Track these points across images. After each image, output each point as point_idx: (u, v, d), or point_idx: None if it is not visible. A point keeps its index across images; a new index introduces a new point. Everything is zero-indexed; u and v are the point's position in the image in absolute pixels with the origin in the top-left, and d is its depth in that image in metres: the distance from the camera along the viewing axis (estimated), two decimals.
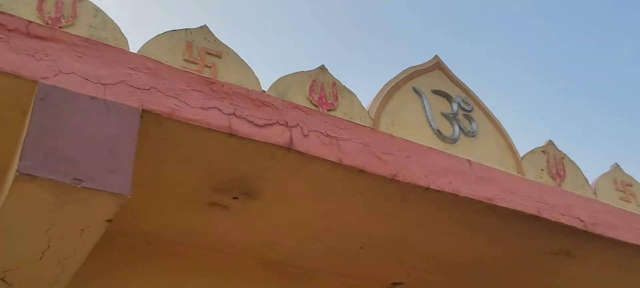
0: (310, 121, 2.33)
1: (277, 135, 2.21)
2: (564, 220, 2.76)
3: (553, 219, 2.72)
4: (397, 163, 2.43)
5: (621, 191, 3.71)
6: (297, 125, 2.29)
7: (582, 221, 2.82)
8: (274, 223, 2.72)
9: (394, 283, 3.30)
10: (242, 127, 2.16)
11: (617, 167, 3.85)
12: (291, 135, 2.24)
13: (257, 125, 2.19)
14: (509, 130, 3.61)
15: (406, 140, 2.56)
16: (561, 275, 3.20)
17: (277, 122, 2.25)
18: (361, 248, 2.92)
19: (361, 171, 2.33)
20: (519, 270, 3.15)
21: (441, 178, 2.51)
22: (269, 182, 2.40)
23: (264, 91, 2.55)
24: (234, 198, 2.50)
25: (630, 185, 3.83)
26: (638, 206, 3.70)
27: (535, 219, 2.69)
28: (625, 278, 3.22)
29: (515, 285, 3.32)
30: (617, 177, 3.77)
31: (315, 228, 2.76)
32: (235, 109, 2.18)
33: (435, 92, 3.45)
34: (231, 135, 2.12)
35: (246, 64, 2.77)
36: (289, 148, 2.21)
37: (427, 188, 2.45)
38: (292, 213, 2.64)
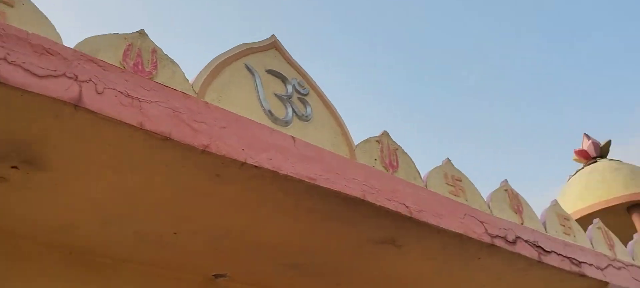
0: (107, 77, 2.00)
1: (62, 88, 1.86)
2: (389, 205, 2.67)
3: (378, 204, 2.61)
4: (211, 134, 2.17)
5: (451, 185, 3.75)
6: (90, 80, 1.95)
7: (407, 207, 2.75)
8: (70, 201, 2.34)
9: (216, 275, 3.03)
10: (15, 76, 1.79)
11: (448, 161, 3.91)
12: (80, 91, 1.90)
13: (36, 75, 1.83)
14: (346, 119, 3.52)
15: (223, 109, 2.32)
16: (388, 265, 3.13)
17: (64, 75, 1.90)
18: (175, 233, 2.62)
19: (167, 139, 2.05)
20: (346, 259, 3.02)
21: (261, 153, 2.29)
22: (56, 148, 2.03)
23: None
24: (12, 167, 2.09)
25: (460, 180, 3.90)
26: (466, 201, 3.77)
27: (360, 203, 2.57)
28: (449, 268, 3.22)
29: (343, 276, 3.20)
30: (448, 172, 3.82)
31: (121, 208, 2.42)
32: (8, 53, 1.80)
33: (270, 72, 3.25)
34: (0, 83, 1.74)
35: (46, 18, 2.37)
36: (76, 106, 1.87)
37: (244, 163, 2.22)
38: (91, 189, 2.29)
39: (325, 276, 3.17)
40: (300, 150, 2.45)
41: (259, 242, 2.78)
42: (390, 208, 2.66)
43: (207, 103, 2.26)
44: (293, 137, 2.48)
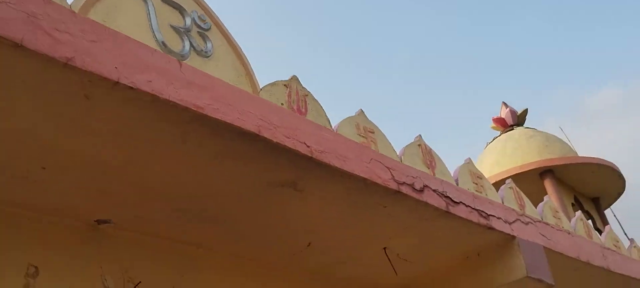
0: None
1: None
2: (288, 143, 2.47)
3: (275, 140, 2.41)
4: (77, 46, 1.89)
5: (363, 137, 3.59)
6: None
7: (308, 146, 2.56)
8: None
9: (99, 221, 2.74)
10: None
11: (361, 112, 3.75)
12: None
13: None
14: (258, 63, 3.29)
15: (94, 21, 2.03)
16: (290, 211, 2.93)
17: None
18: (44, 168, 2.31)
19: (18, 46, 1.75)
20: (244, 205, 2.81)
21: (138, 74, 2.02)
22: None
23: None
24: None
25: (373, 132, 3.75)
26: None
27: (255, 138, 2.35)
28: (354, 217, 3.07)
29: (241, 223, 2.98)
30: (360, 123, 3.66)
31: None
32: None
33: (166, 1, 2.97)
34: None
35: None
36: None
37: (117, 83, 1.95)
38: None
39: (222, 223, 2.95)
40: (186, 76, 2.20)
41: (144, 182, 2.52)
42: (289, 146, 2.46)
43: (74, 12, 1.97)
44: (180, 61, 2.23)
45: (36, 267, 2.51)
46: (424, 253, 3.60)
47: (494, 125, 8.09)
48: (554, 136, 7.60)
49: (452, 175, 3.90)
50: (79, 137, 2.17)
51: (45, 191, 2.46)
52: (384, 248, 3.50)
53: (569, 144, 7.65)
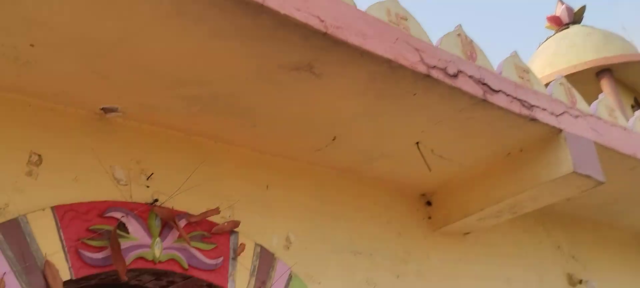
0: None
1: None
2: (298, 16, 2.19)
3: (283, 12, 2.13)
4: None
5: (394, 24, 3.28)
6: None
7: (322, 21, 2.28)
8: None
9: (105, 109, 2.58)
10: None
11: None
12: None
13: None
14: None
15: None
16: (309, 101, 2.70)
17: None
18: (33, 46, 2.13)
19: None
20: (258, 92, 2.58)
21: None
22: None
23: None
24: None
25: (406, 19, 3.41)
26: None
27: (259, 10, 2.09)
28: (381, 104, 2.80)
29: (257, 114, 2.76)
30: (391, 8, 3.32)
31: None
32: None
33: None
34: None
35: None
36: None
37: None
38: None
39: (238, 114, 2.74)
40: None
41: (143, 64, 2.31)
42: (300, 19, 2.19)
43: None
44: None
45: (39, 155, 2.39)
46: (461, 148, 3.33)
47: (548, 24, 7.51)
48: (614, 34, 6.99)
49: (495, 69, 3.56)
50: (62, 8, 1.96)
51: (40, 74, 2.29)
52: (417, 143, 3.24)
53: (630, 42, 7.04)
